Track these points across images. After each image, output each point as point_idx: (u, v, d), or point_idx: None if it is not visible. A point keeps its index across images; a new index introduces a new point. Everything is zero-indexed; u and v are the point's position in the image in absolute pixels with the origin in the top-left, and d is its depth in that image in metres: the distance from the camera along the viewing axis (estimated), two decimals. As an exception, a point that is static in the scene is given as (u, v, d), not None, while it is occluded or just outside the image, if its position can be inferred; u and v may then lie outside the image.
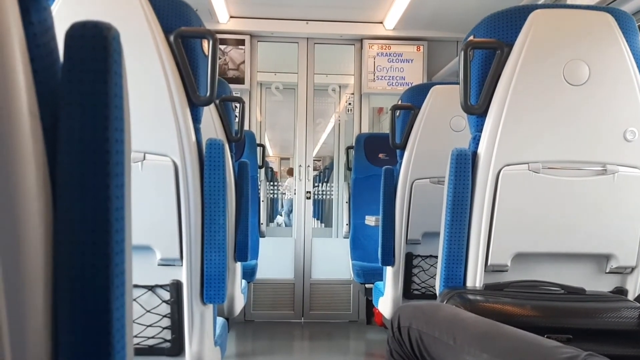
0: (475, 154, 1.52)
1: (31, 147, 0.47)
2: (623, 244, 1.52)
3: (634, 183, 1.49)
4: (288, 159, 5.27)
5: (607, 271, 1.55)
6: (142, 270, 1.50)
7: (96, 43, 0.51)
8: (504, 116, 1.47)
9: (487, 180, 1.48)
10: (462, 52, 1.51)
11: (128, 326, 0.55)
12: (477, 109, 1.52)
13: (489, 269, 1.52)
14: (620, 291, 1.55)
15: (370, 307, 3.77)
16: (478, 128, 1.54)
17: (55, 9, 1.35)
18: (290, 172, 4.24)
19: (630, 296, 1.54)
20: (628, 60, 1.47)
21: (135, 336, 1.50)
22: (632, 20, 1.52)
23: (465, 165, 1.50)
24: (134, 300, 1.50)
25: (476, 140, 1.53)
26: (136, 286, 1.51)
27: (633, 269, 1.53)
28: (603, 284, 1.56)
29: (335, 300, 3.96)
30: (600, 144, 1.49)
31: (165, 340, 1.53)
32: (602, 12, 1.49)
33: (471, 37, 1.57)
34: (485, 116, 1.51)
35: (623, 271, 1.54)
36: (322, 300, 3.95)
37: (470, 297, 1.36)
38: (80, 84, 0.50)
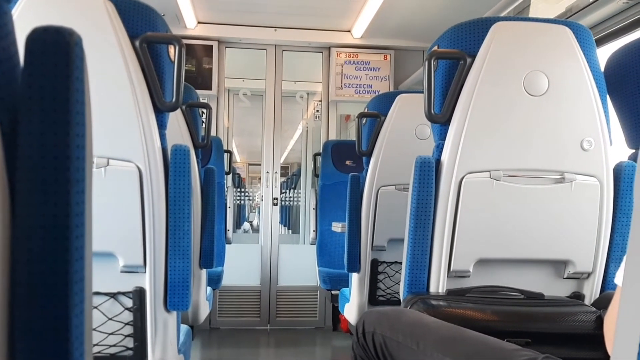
0: (438, 162, 1.55)
1: (-11, 152, 0.46)
2: (580, 250, 1.56)
3: (591, 191, 1.54)
4: (257, 165, 5.26)
5: (565, 276, 1.59)
6: (104, 277, 1.47)
7: (58, 48, 0.50)
8: (466, 125, 1.50)
9: (449, 188, 1.51)
10: (427, 62, 1.53)
11: (87, 334, 0.54)
12: (440, 118, 1.55)
13: (451, 274, 1.54)
14: (578, 296, 1.58)
15: (336, 313, 3.78)
16: (441, 136, 1.57)
17: (16, 13, 1.32)
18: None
19: (587, 301, 1.58)
20: (585, 72, 1.52)
21: (97, 344, 1.47)
22: (589, 33, 1.57)
23: (428, 173, 1.52)
24: (96, 307, 1.47)
25: (439, 149, 1.56)
26: (98, 293, 1.48)
27: (589, 274, 1.58)
28: (561, 289, 1.60)
29: (301, 306, 3.96)
30: (559, 153, 1.53)
31: (128, 349, 1.51)
32: (561, 25, 1.54)
33: (435, 47, 1.60)
34: (449, 125, 1.54)
35: (580, 276, 1.59)
36: (288, 307, 3.95)
37: (433, 302, 1.38)
38: (40, 89, 0.50)
